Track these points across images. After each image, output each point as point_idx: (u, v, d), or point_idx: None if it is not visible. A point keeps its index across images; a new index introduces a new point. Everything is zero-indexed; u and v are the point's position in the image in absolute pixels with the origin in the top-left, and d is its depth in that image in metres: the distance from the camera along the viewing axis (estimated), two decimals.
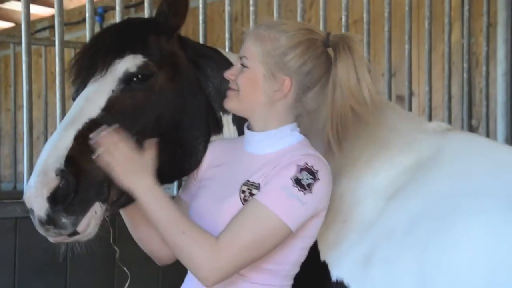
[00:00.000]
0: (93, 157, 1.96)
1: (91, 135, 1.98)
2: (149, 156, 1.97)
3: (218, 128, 2.22)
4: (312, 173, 1.88)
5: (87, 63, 2.12)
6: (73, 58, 2.17)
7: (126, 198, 2.03)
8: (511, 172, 2.01)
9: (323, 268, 2.04)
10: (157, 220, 1.90)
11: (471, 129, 4.08)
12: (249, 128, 2.05)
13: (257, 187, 1.92)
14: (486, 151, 2.11)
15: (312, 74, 1.98)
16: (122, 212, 2.20)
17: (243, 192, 1.94)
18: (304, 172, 1.88)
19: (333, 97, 1.98)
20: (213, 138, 2.21)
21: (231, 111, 2.10)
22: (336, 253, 2.04)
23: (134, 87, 2.09)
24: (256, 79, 1.97)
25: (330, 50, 2.03)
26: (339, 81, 1.97)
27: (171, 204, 1.90)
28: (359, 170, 2.12)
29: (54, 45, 3.16)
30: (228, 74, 2.03)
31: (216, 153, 2.15)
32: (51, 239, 2.02)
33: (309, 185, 1.87)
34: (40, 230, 1.98)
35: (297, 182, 1.87)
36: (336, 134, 1.99)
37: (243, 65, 1.99)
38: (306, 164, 1.89)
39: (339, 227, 2.08)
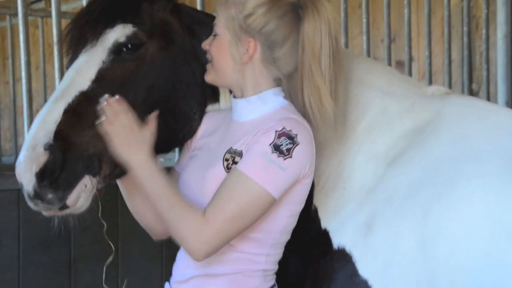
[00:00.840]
0: (86, 134, 1.97)
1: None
2: (148, 130, 1.98)
3: (214, 97, 2.19)
4: (291, 138, 1.87)
5: (78, 33, 2.09)
6: (66, 28, 2.14)
7: (120, 171, 2.03)
8: (510, 134, 1.99)
9: (324, 236, 2.04)
10: (149, 194, 1.92)
11: (472, 93, 4.07)
12: (233, 95, 2.05)
13: (240, 154, 1.91)
14: (486, 115, 2.10)
15: (276, 34, 1.95)
16: (119, 185, 2.21)
17: (226, 160, 1.94)
18: (283, 137, 1.87)
19: (302, 58, 1.95)
20: (209, 107, 2.19)
21: (212, 83, 2.08)
22: (337, 221, 2.04)
23: (125, 58, 2.07)
24: (223, 46, 1.98)
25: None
26: (307, 42, 1.94)
27: (163, 179, 1.91)
28: (357, 136, 2.11)
29: (50, 16, 3.14)
30: (204, 45, 2.03)
31: (209, 123, 2.15)
32: (44, 213, 2.03)
33: (288, 150, 1.86)
34: (30, 204, 1.99)
35: (276, 148, 1.86)
36: (308, 97, 1.95)
37: (214, 34, 2.00)
38: (284, 128, 1.88)
39: (339, 195, 2.07)
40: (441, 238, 1.86)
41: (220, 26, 1.99)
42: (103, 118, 1.96)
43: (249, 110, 2.00)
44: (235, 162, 1.91)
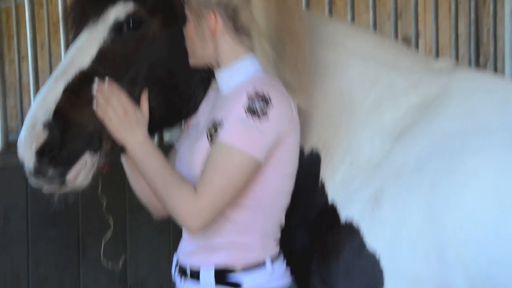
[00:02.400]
0: (86, 112, 1.99)
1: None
2: (143, 110, 2.02)
3: None
4: (264, 99, 1.88)
5: (80, 11, 2.10)
6: (69, 6, 2.15)
7: (122, 147, 2.05)
8: None
9: (332, 210, 2.05)
10: (145, 173, 1.97)
11: (479, 68, 4.05)
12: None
13: (220, 124, 1.93)
14: (494, 88, 2.10)
15: (233, 1, 1.95)
16: (123, 162, 2.23)
17: (209, 131, 1.96)
18: (256, 100, 1.87)
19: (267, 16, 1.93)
20: (214, 84, 2.18)
21: (196, 67, 2.09)
22: (344, 195, 2.05)
23: (126, 35, 2.07)
24: (190, 28, 2.01)
25: None
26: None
27: (158, 158, 1.95)
28: (364, 111, 2.11)
29: None
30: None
31: (205, 100, 2.16)
32: (45, 189, 2.06)
33: (263, 111, 1.87)
34: (32, 181, 2.04)
35: (250, 111, 1.87)
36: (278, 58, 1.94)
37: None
38: (256, 90, 1.89)
39: (346, 169, 2.08)
40: (449, 211, 1.87)
41: (187, 11, 2.02)
42: (95, 104, 1.99)
43: (228, 81, 2.02)
44: (216, 132, 1.93)
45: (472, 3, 3.97)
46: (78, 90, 2.02)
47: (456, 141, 1.95)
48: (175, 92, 2.12)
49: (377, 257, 1.93)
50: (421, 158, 1.97)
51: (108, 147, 2.05)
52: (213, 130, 1.95)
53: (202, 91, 2.16)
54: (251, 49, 1.99)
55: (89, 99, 2.02)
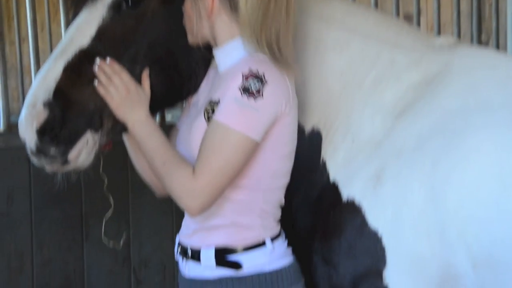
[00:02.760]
0: (86, 91, 2.00)
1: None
2: (145, 89, 2.02)
3: None
4: (259, 78, 1.87)
5: None
6: None
7: (124, 125, 2.05)
8: None
9: (334, 189, 2.05)
10: (146, 152, 1.97)
11: (481, 44, 4.03)
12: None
13: (218, 103, 1.92)
14: (496, 65, 2.08)
15: None
16: (125, 141, 2.23)
17: (207, 111, 1.95)
18: (250, 78, 1.86)
19: None
20: (214, 62, 2.16)
21: (195, 45, 2.08)
22: (346, 173, 2.05)
23: (125, 14, 2.06)
24: (188, 6, 2.00)
25: None
26: None
27: (159, 137, 1.96)
28: (365, 89, 2.10)
29: None
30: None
31: (206, 79, 2.15)
32: (47, 169, 2.06)
33: (258, 90, 1.86)
34: (34, 160, 2.04)
35: (245, 90, 1.86)
36: (276, 38, 1.92)
37: None
38: (250, 70, 1.87)
39: (347, 147, 2.08)
40: (451, 189, 1.87)
41: None
42: (96, 82, 1.99)
43: (225, 60, 2.01)
44: (213, 112, 1.92)
45: None
46: (78, 68, 2.01)
47: (458, 119, 1.94)
48: (175, 71, 2.11)
49: (379, 235, 1.93)
50: (422, 136, 1.96)
51: (109, 126, 2.06)
52: (210, 110, 1.95)
53: (203, 70, 2.15)
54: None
55: (90, 78, 2.01)
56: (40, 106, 1.97)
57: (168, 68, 2.10)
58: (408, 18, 4.21)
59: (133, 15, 2.06)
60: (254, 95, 1.85)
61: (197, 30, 2.02)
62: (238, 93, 1.86)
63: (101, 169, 2.16)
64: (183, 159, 1.94)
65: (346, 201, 2.01)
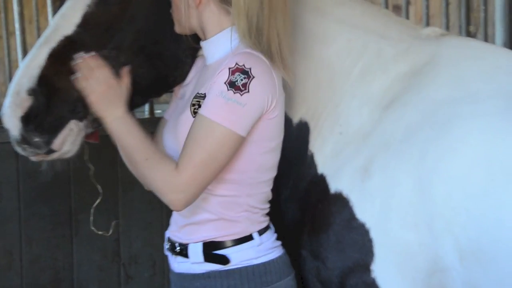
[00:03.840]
0: (71, 79, 1.97)
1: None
2: (124, 84, 1.99)
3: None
4: (245, 72, 1.85)
5: None
6: None
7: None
8: (508, 74, 1.97)
9: (322, 181, 2.04)
10: (124, 149, 1.94)
11: (469, 35, 4.03)
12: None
13: (204, 97, 1.91)
14: (483, 55, 2.07)
15: None
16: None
17: (193, 105, 1.94)
18: (237, 73, 1.85)
19: None
20: (201, 51, 2.15)
21: (182, 34, 2.06)
22: (333, 166, 2.04)
23: (110, 1, 2.04)
24: None
25: None
26: None
27: (138, 133, 1.92)
28: (353, 80, 2.09)
29: None
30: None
31: (193, 70, 2.14)
32: (32, 158, 2.05)
33: (244, 85, 1.84)
34: (18, 149, 2.01)
35: (231, 85, 1.84)
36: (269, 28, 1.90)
37: None
38: (237, 64, 1.86)
39: (335, 139, 2.07)
40: (438, 179, 1.86)
41: None
42: (78, 74, 1.97)
43: (213, 52, 1.99)
44: (199, 105, 1.91)
45: None
46: (63, 56, 1.99)
47: (445, 109, 1.94)
48: (161, 60, 2.09)
49: (367, 228, 1.92)
50: (410, 127, 1.95)
51: (94, 115, 2.03)
52: (196, 104, 1.93)
53: (190, 59, 2.13)
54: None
55: (72, 66, 1.99)
56: (24, 94, 1.95)
57: (154, 57, 2.08)
58: (397, 8, 4.20)
59: (119, 2, 2.04)
60: (240, 89, 1.83)
61: (185, 20, 1.99)
62: (224, 87, 1.84)
63: (86, 156, 2.14)
64: (165, 155, 1.93)
65: (334, 193, 2.00)
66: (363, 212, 1.94)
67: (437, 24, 4.07)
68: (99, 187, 2.24)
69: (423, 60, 2.07)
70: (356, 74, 2.10)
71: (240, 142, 1.89)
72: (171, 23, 2.07)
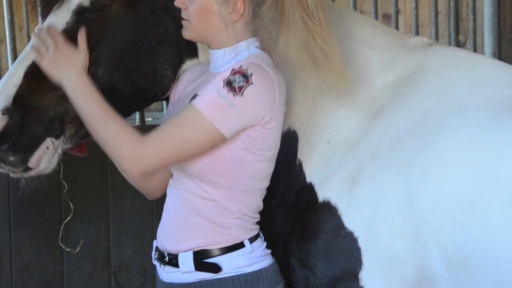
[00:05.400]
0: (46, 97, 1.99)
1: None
2: (81, 49, 1.99)
3: (191, 51, 2.16)
4: (245, 76, 1.86)
5: None
6: None
7: (87, 131, 2.04)
8: (495, 84, 1.99)
9: (310, 190, 2.05)
10: (83, 112, 1.94)
11: (458, 44, 4.06)
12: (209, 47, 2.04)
13: None
14: (470, 65, 2.08)
15: None
16: None
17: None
18: (237, 75, 1.86)
19: (283, 5, 1.93)
20: (187, 63, 2.16)
21: (190, 39, 2.06)
22: (321, 174, 2.04)
23: (88, 18, 2.05)
24: (208, 8, 1.93)
25: None
26: None
27: (97, 97, 1.93)
28: (340, 89, 2.09)
29: None
30: (179, 3, 1.98)
31: (189, 77, 2.14)
32: (11, 174, 2.07)
33: (240, 87, 1.85)
34: None
35: (228, 83, 1.85)
36: (295, 39, 1.93)
37: None
38: (241, 67, 1.87)
39: (323, 148, 2.07)
40: (425, 188, 1.87)
41: None
42: (32, 45, 1.98)
43: (223, 61, 1.99)
44: None
45: None
46: (39, 74, 2.00)
47: (433, 119, 1.95)
48: (140, 74, 2.09)
49: (355, 237, 1.93)
50: (397, 136, 1.96)
51: (72, 132, 2.05)
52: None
53: (171, 72, 2.13)
54: (254, 33, 1.97)
55: (50, 84, 2.00)
56: None
57: (132, 72, 2.08)
58: (386, 18, 4.23)
59: (96, 19, 2.05)
60: (234, 90, 1.84)
61: (207, 30, 1.97)
62: (220, 83, 1.85)
63: (61, 174, 2.15)
64: (125, 123, 1.93)
65: (322, 202, 2.01)
66: (351, 220, 1.95)
67: (427, 33, 4.10)
68: (71, 204, 2.26)
69: (410, 70, 2.08)
70: (343, 83, 2.10)
71: (218, 141, 1.89)
72: (150, 37, 2.08)
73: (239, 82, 1.85)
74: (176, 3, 1.98)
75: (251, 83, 1.85)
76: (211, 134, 1.87)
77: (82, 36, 2.02)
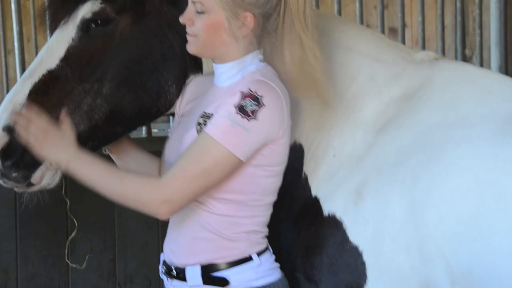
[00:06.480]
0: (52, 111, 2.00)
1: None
2: (66, 127, 1.98)
3: (196, 67, 2.17)
4: (256, 99, 1.86)
5: (54, 9, 2.09)
6: (44, 4, 2.14)
7: (92, 146, 2.07)
8: (500, 99, 1.99)
9: (315, 204, 2.05)
10: (93, 181, 1.91)
11: (465, 59, 4.06)
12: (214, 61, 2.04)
13: (210, 117, 1.92)
14: (476, 80, 2.09)
15: (271, 2, 1.93)
16: (113, 158, 2.23)
17: (199, 124, 1.94)
18: (248, 99, 1.86)
19: (283, 22, 1.93)
20: (192, 77, 2.17)
21: (195, 55, 2.06)
22: (327, 188, 2.04)
23: (93, 34, 2.06)
24: (217, 24, 1.93)
25: None
26: (289, 2, 1.92)
27: (101, 163, 1.92)
28: (347, 103, 2.10)
29: None
30: (185, 20, 1.97)
31: (193, 89, 2.14)
32: (15, 189, 2.09)
33: (253, 111, 1.85)
34: (0, 182, 2.05)
35: (241, 109, 1.85)
36: (290, 53, 1.93)
37: (198, 11, 1.93)
38: (250, 90, 1.87)
39: (329, 162, 2.07)
40: (430, 203, 1.87)
41: (209, 3, 1.92)
42: (18, 128, 1.96)
43: (228, 75, 1.99)
44: (206, 125, 1.92)
45: None
46: (43, 91, 2.02)
47: (438, 133, 1.95)
48: (144, 91, 2.10)
49: (360, 251, 1.93)
50: (403, 150, 1.96)
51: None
52: (202, 123, 1.94)
53: (175, 88, 2.13)
54: (259, 45, 1.98)
55: (54, 101, 2.02)
56: (1, 130, 1.99)
57: (136, 88, 2.09)
58: (393, 31, 4.24)
59: (102, 35, 2.06)
60: (248, 115, 1.85)
61: (216, 45, 1.96)
62: (232, 110, 1.85)
63: (63, 191, 2.17)
64: (139, 173, 1.94)
65: (327, 216, 2.01)
66: (356, 235, 1.95)
67: (433, 47, 4.10)
68: (75, 221, 2.27)
69: (416, 84, 2.09)
70: (350, 97, 2.12)
71: (237, 166, 1.90)
72: (155, 54, 2.09)
73: (252, 106, 1.86)
74: (182, 20, 1.98)
75: (263, 105, 1.86)
76: (230, 161, 1.87)
77: (64, 113, 2.00)
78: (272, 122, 1.89)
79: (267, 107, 1.87)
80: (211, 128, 1.88)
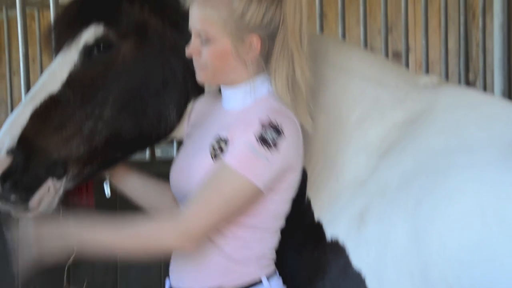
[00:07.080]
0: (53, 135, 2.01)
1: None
2: (41, 231, 1.90)
3: (198, 91, 2.16)
4: (277, 130, 1.87)
5: (58, 32, 2.11)
6: (49, 27, 2.16)
7: (91, 170, 2.08)
8: (504, 124, 1.99)
9: (318, 228, 2.04)
10: (106, 248, 1.89)
11: (468, 83, 4.07)
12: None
13: (226, 141, 1.91)
14: (479, 105, 2.09)
15: (275, 21, 1.93)
16: (120, 188, 2.23)
17: (213, 147, 1.94)
18: (269, 129, 1.87)
19: (280, 37, 1.92)
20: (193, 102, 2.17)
21: (205, 83, 2.06)
22: (330, 213, 2.04)
23: (95, 59, 2.07)
24: (224, 52, 1.93)
25: None
26: (286, 20, 1.92)
27: (105, 227, 1.89)
28: (350, 127, 2.10)
29: (47, 7, 3.13)
30: (192, 52, 1.96)
31: (199, 109, 2.14)
32: (13, 214, 2.07)
33: (275, 143, 1.86)
34: None
35: (263, 140, 1.85)
36: (282, 73, 1.92)
37: (203, 41, 1.93)
38: (270, 120, 1.87)
39: (332, 187, 2.07)
40: (433, 229, 1.86)
41: (213, 31, 1.92)
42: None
43: (238, 99, 1.99)
44: (221, 149, 1.91)
45: (462, 18, 3.99)
46: (45, 115, 2.03)
47: (441, 158, 1.94)
48: (144, 116, 2.11)
49: (362, 276, 1.91)
50: (406, 175, 1.96)
51: (75, 172, 2.06)
52: (217, 147, 1.93)
53: (176, 113, 2.13)
54: (265, 69, 1.96)
55: (55, 125, 2.03)
56: (3, 154, 1.99)
57: (137, 113, 2.10)
58: (397, 55, 4.26)
59: (104, 60, 2.07)
60: (270, 146, 1.85)
61: (226, 72, 1.96)
62: (254, 141, 1.85)
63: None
64: (146, 218, 1.93)
65: (330, 240, 2.00)
66: (359, 259, 1.94)
67: (437, 71, 4.11)
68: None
69: (420, 108, 2.09)
70: (353, 121, 2.12)
71: (257, 195, 1.90)
72: (157, 79, 2.09)
73: (272, 136, 1.86)
74: (188, 53, 1.97)
75: (285, 136, 1.87)
76: (251, 192, 1.88)
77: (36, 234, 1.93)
78: (292, 152, 1.90)
79: (287, 138, 1.88)
80: (233, 159, 1.87)
